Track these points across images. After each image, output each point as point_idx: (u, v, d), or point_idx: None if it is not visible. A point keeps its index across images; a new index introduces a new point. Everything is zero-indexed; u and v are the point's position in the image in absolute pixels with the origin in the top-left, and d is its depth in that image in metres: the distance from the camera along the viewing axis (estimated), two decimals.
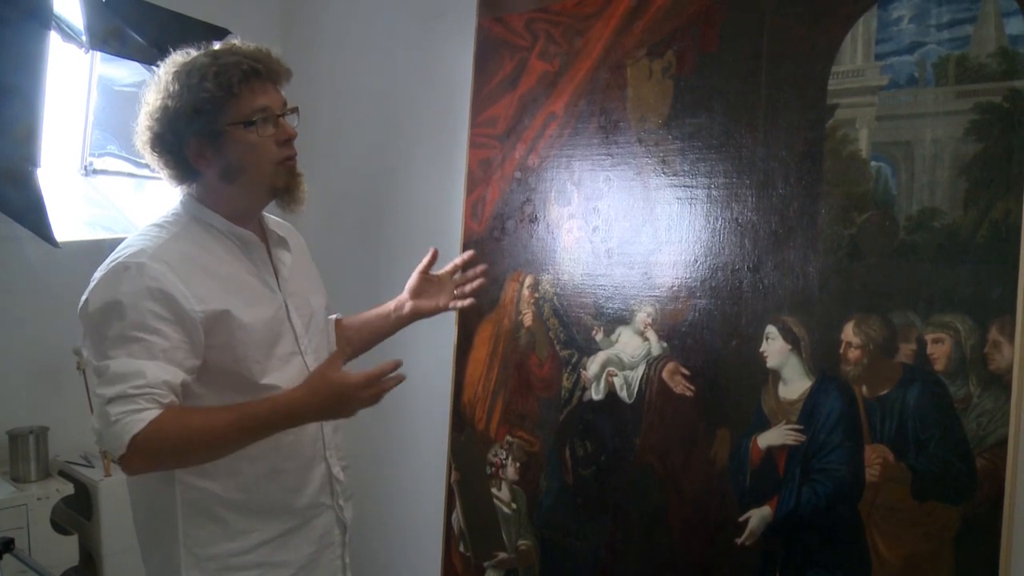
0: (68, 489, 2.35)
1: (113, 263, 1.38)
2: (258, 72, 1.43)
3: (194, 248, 1.45)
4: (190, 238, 1.46)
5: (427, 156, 2.55)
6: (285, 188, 1.48)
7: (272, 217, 1.66)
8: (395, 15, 2.64)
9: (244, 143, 1.42)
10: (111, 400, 1.30)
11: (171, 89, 1.41)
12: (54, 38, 1.74)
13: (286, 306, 1.54)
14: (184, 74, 1.41)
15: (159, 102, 1.43)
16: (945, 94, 1.55)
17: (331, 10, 2.89)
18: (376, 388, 1.42)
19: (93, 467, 2.45)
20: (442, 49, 2.46)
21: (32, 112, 1.64)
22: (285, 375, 1.49)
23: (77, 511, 2.43)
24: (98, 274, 1.39)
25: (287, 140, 1.47)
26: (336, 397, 1.41)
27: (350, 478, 1.69)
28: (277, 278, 1.55)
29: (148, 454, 1.32)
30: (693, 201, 1.86)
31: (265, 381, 1.46)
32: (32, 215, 1.69)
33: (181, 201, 1.52)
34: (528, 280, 2.16)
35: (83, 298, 1.39)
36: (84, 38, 1.88)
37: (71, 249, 1.99)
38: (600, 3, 2.03)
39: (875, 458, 1.61)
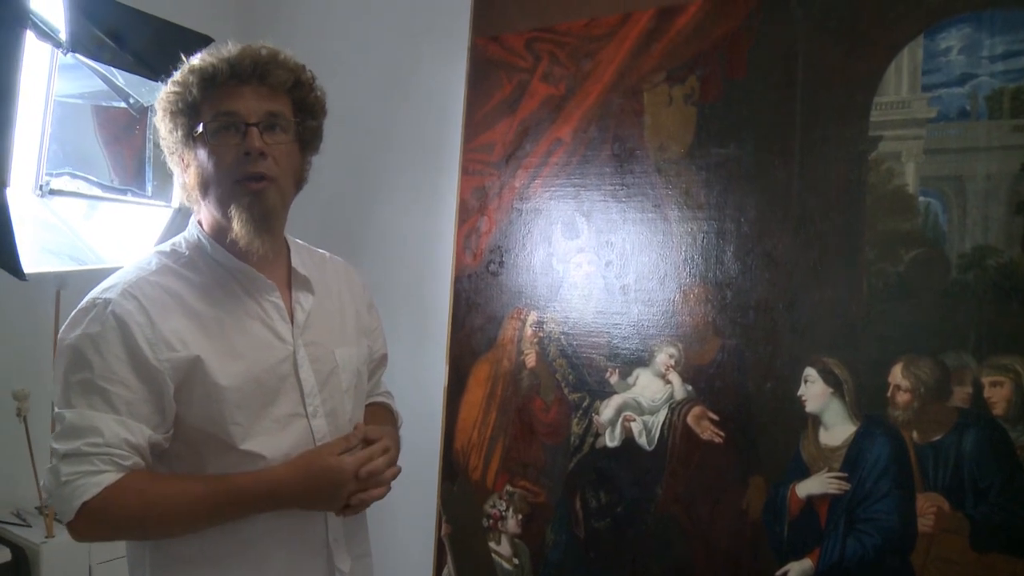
0: (4, 555, 2.05)
1: (88, 298, 1.20)
2: (222, 72, 1.19)
3: (179, 282, 1.23)
4: (181, 270, 1.25)
5: (412, 183, 2.36)
6: (247, 215, 1.21)
7: (320, 252, 1.47)
8: (375, 29, 2.45)
9: (205, 151, 1.21)
10: (64, 457, 1.12)
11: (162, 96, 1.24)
12: (29, 38, 1.50)
13: (295, 358, 1.29)
14: (170, 81, 1.23)
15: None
16: (1000, 128, 1.50)
17: (301, 22, 2.65)
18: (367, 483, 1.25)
19: (30, 526, 2.14)
20: (429, 68, 2.30)
21: (3, 124, 1.40)
22: (277, 442, 1.24)
23: None
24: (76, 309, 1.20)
25: (247, 153, 1.20)
26: (330, 484, 1.21)
27: (365, 570, 1.41)
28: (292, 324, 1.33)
29: (100, 524, 1.14)
30: (721, 235, 1.75)
31: (246, 447, 1.21)
32: None
33: (190, 225, 1.32)
34: (531, 318, 2.01)
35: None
36: (63, 37, 1.63)
37: (6, 284, 1.74)
38: (612, 24, 1.92)
39: (928, 507, 1.53)
